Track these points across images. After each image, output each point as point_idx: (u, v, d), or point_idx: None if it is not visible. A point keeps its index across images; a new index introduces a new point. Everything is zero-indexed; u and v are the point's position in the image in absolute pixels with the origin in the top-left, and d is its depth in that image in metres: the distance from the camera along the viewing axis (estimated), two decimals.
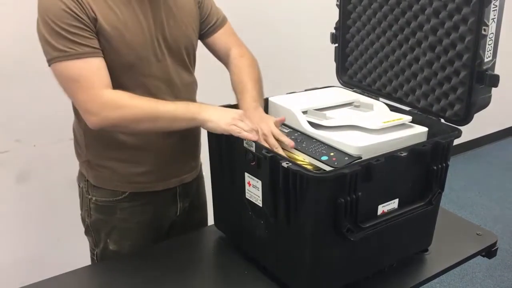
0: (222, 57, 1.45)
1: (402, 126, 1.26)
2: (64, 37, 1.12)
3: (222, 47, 1.43)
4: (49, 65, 1.16)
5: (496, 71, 1.18)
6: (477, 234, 1.44)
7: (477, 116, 1.23)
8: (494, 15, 1.12)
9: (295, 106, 1.32)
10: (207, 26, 1.41)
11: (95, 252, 1.44)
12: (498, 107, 1.57)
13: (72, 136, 1.41)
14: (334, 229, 1.06)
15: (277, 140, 1.21)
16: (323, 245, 1.09)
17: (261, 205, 1.16)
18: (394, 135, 1.21)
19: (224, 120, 1.18)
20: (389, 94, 1.46)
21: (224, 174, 1.29)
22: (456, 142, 1.23)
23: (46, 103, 1.87)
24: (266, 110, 1.38)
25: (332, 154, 1.15)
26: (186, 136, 1.39)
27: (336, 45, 1.58)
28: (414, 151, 1.13)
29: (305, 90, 1.50)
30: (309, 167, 1.14)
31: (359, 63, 1.54)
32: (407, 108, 1.39)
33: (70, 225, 1.61)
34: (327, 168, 1.11)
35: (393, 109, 1.39)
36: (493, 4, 1.11)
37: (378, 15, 1.42)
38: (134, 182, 1.35)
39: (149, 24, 1.24)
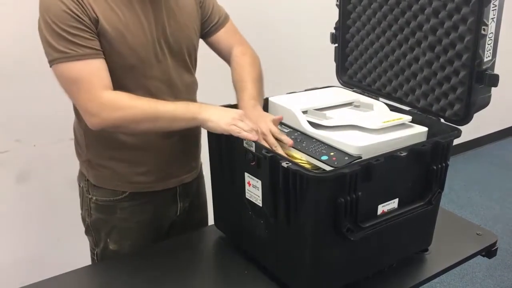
0: (225, 56, 1.45)
1: (402, 126, 1.26)
2: (64, 38, 1.12)
3: (224, 45, 1.43)
4: (50, 66, 1.16)
5: (496, 71, 1.18)
6: (477, 234, 1.44)
7: (477, 116, 1.23)
8: (494, 15, 1.12)
9: (295, 106, 1.32)
10: (209, 25, 1.41)
11: (95, 252, 1.45)
12: (498, 106, 1.57)
13: (72, 136, 1.41)
14: (334, 229, 1.06)
15: (276, 139, 1.21)
16: (323, 245, 1.10)
17: (261, 205, 1.16)
18: (394, 135, 1.21)
19: (224, 120, 1.17)
20: (389, 94, 1.46)
21: (224, 174, 1.29)
22: (456, 142, 1.23)
23: (46, 103, 1.87)
24: (266, 110, 1.38)
25: (332, 154, 1.15)
26: (186, 136, 1.39)
27: (336, 45, 1.58)
28: (414, 151, 1.13)
29: (305, 90, 1.50)
30: (307, 165, 1.14)
31: (359, 63, 1.54)
32: (407, 108, 1.39)
33: (70, 225, 1.61)
34: (327, 168, 1.11)
35: (393, 109, 1.39)
36: (493, 4, 1.11)
37: (377, 15, 1.42)
38: (135, 182, 1.36)
39: (150, 25, 1.24)
